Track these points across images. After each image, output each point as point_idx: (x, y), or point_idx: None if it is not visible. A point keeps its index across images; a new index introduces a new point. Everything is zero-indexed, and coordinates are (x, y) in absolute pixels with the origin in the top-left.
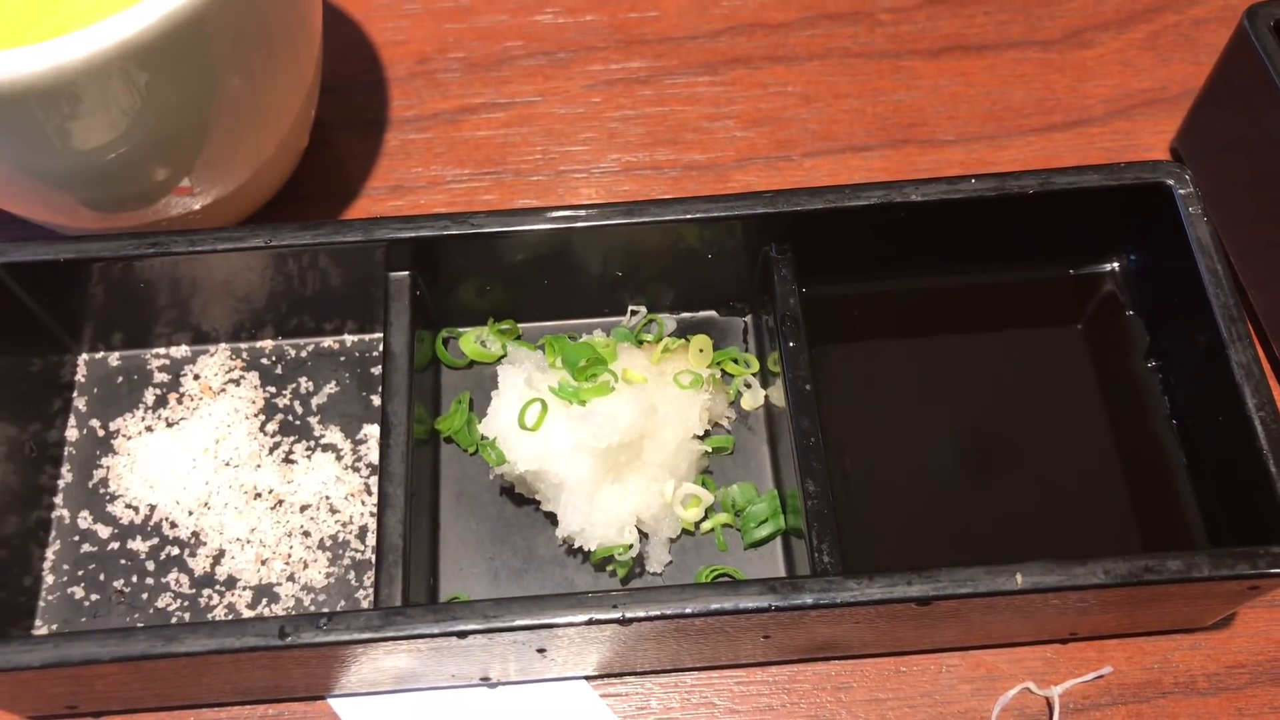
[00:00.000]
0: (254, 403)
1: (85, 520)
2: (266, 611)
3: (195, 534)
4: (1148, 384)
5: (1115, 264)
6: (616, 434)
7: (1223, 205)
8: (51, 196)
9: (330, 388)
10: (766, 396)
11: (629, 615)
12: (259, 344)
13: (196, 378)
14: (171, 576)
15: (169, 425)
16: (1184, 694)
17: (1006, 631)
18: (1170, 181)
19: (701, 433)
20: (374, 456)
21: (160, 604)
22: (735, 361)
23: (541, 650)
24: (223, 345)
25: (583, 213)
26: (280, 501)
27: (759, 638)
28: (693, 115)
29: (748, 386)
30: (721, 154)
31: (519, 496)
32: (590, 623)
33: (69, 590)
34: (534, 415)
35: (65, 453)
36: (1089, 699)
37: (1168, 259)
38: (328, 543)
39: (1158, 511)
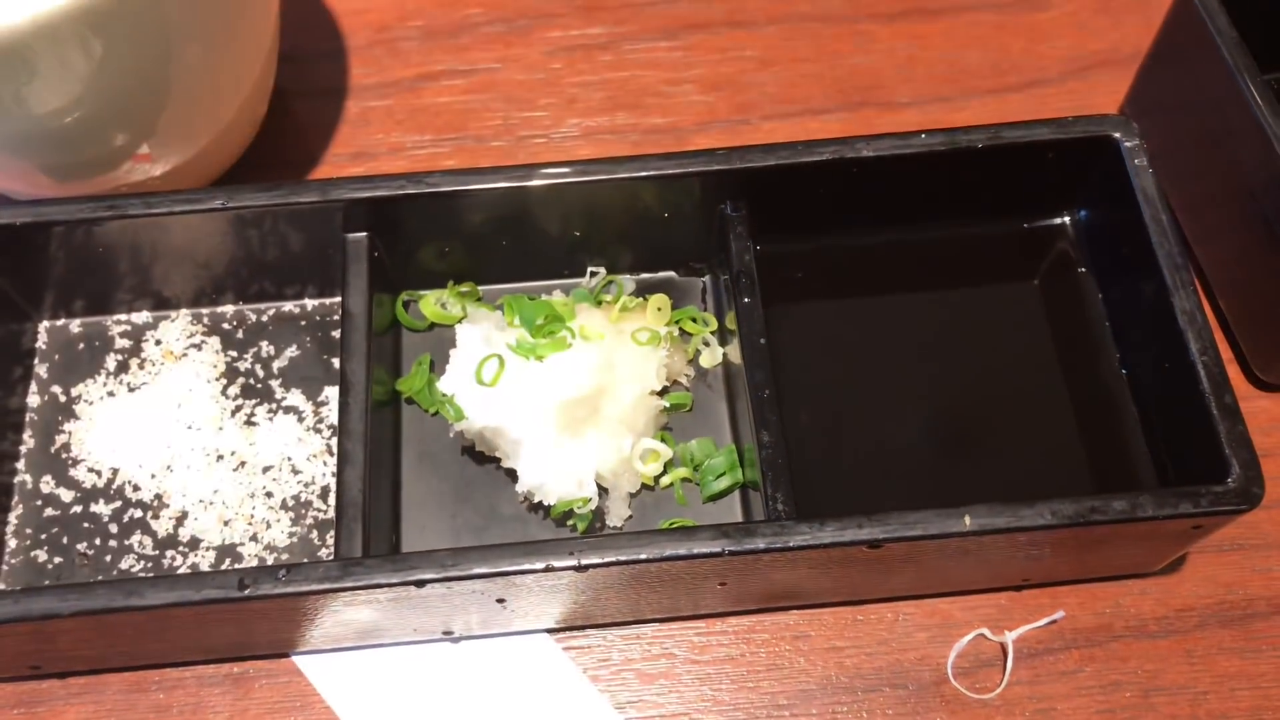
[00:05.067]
0: (215, 367)
1: (48, 485)
2: None
3: (158, 496)
4: (1098, 334)
5: (1066, 218)
6: (574, 389)
7: (1170, 163)
8: (7, 163)
9: (291, 351)
10: (725, 354)
11: (585, 562)
12: (220, 309)
13: (158, 343)
14: (135, 539)
15: (131, 390)
16: (1135, 637)
17: (961, 579)
18: (1117, 134)
19: (659, 389)
20: (335, 418)
21: (124, 565)
22: (694, 320)
23: (501, 601)
24: (184, 310)
25: (539, 171)
26: (243, 463)
27: (715, 585)
28: (652, 80)
29: (706, 345)
30: (681, 118)
31: (480, 455)
32: (548, 569)
33: (32, 554)
34: (491, 371)
35: (27, 418)
36: (1042, 644)
37: (1116, 211)
38: (290, 503)
39: (1108, 459)
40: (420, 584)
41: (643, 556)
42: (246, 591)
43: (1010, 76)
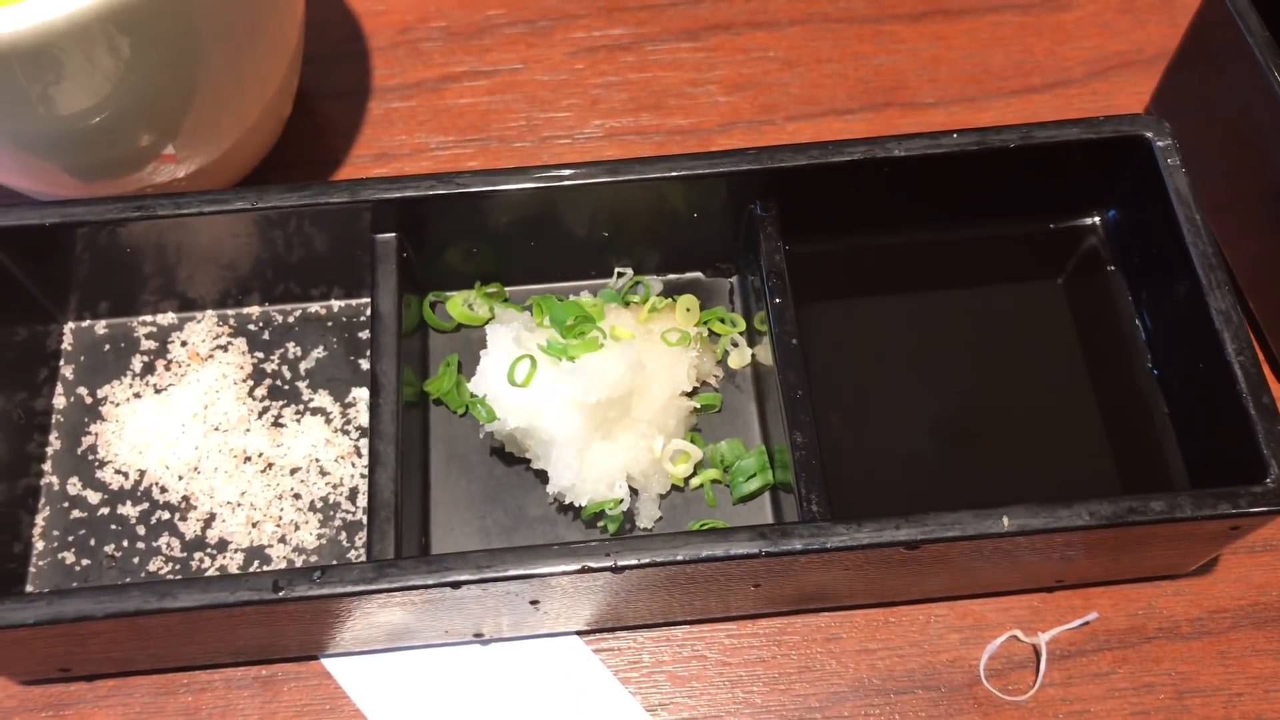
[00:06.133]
0: (242, 368)
1: (74, 486)
2: None
3: (185, 498)
4: (1129, 335)
5: (1096, 218)
6: (606, 389)
7: (1197, 164)
8: (34, 164)
9: (318, 352)
10: (753, 355)
11: (622, 563)
12: (246, 310)
13: (184, 344)
14: (162, 540)
15: (157, 391)
16: (1168, 639)
17: (993, 580)
18: (1149, 134)
19: (689, 389)
20: (363, 419)
21: (151, 567)
22: (722, 321)
23: (535, 602)
24: (210, 311)
25: (568, 172)
26: (270, 465)
27: (749, 587)
28: (675, 81)
29: (735, 345)
30: (704, 119)
31: (509, 456)
32: (584, 570)
33: (59, 556)
34: (523, 371)
35: (53, 420)
36: (1075, 645)
37: (1147, 211)
38: (318, 504)
39: (1142, 459)
40: (456, 585)
41: (680, 558)
42: (281, 593)
43: (1034, 77)
